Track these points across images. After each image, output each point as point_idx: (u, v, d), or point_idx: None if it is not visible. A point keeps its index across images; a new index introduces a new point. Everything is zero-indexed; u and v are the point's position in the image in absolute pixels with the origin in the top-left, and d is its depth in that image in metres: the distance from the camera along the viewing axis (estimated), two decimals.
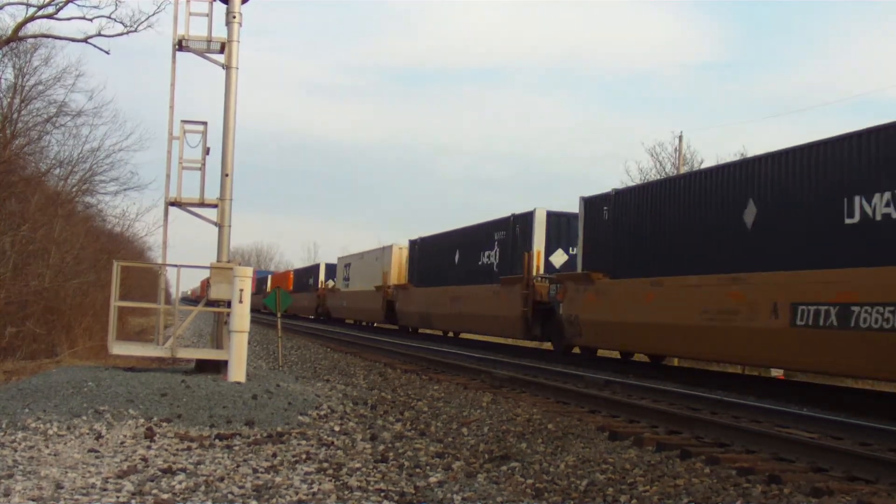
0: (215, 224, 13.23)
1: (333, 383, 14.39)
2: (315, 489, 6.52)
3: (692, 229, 16.49)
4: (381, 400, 12.28)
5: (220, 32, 13.34)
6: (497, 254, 26.48)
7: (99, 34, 25.35)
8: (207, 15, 13.34)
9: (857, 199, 12.58)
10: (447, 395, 13.20)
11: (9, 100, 26.64)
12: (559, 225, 24.30)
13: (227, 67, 13.26)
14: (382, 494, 6.46)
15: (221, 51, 13.33)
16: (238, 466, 7.26)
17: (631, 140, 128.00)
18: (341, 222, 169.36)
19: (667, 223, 17.42)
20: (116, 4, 30.06)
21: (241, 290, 12.18)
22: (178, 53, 13.30)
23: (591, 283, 19.58)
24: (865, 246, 12.33)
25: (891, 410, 11.78)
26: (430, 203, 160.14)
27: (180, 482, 6.54)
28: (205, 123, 13.32)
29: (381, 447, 8.44)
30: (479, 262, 27.72)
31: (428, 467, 7.56)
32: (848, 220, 12.72)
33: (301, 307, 56.75)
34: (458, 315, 28.85)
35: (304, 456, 7.84)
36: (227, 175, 13.18)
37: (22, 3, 24.78)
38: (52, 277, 19.14)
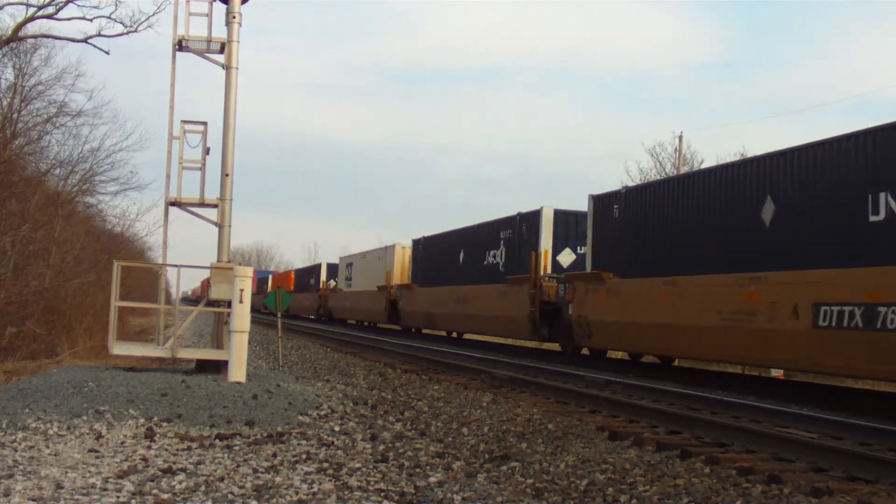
0: (215, 224, 13.24)
1: (333, 383, 14.39)
2: (315, 489, 6.53)
3: (707, 227, 16.06)
4: (381, 400, 12.28)
5: (220, 32, 13.36)
6: (503, 253, 26.14)
7: (99, 34, 25.38)
8: (207, 15, 13.35)
9: (882, 195, 12.13)
10: (447, 395, 13.20)
11: (9, 100, 26.67)
12: (567, 223, 23.88)
13: (227, 67, 13.26)
14: (382, 494, 6.47)
15: (221, 51, 13.34)
16: (238, 466, 7.27)
17: (631, 140, 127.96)
18: (341, 222, 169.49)
19: (680, 221, 16.98)
20: (116, 4, 30.11)
21: (242, 290, 12.19)
22: (178, 53, 13.30)
23: (601, 282, 19.14)
24: (892, 244, 11.90)
25: (891, 410, 11.78)
26: (430, 203, 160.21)
27: (180, 482, 6.54)
28: (205, 123, 13.33)
29: (382, 447, 8.45)
30: (485, 262, 27.38)
31: (428, 467, 7.57)
32: (873, 218, 12.29)
33: (302, 307, 56.43)
34: (464, 315, 28.51)
35: (304, 456, 7.85)
36: (227, 175, 13.19)
37: (22, 3, 24.82)
38: (53, 277, 19.14)
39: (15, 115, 26.51)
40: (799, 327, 13.11)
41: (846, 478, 7.22)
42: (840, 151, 13.07)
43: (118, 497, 6.06)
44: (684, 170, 35.52)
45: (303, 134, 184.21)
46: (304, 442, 8.58)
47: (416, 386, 14.62)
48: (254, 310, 16.40)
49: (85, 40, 25.71)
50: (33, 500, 5.87)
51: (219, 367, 12.50)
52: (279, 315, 19.49)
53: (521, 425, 9.98)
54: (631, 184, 34.45)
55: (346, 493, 6.46)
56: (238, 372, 12.01)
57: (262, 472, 7.05)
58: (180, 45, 13.23)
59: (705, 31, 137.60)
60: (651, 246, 17.92)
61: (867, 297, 11.94)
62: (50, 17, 25.39)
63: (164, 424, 8.90)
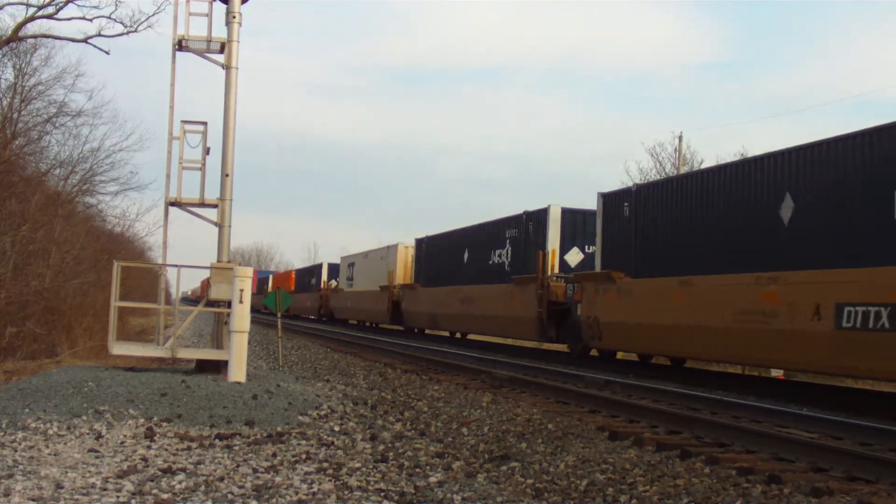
0: (215, 224, 13.24)
1: (333, 383, 14.39)
2: (315, 489, 6.53)
3: (722, 226, 15.63)
4: (381, 400, 12.28)
5: (220, 32, 13.36)
6: (509, 252, 25.67)
7: (99, 34, 25.39)
8: (207, 15, 13.35)
9: None
10: (447, 395, 13.20)
11: (9, 100, 26.69)
12: (574, 222, 23.41)
13: (227, 67, 13.27)
14: (382, 494, 6.47)
15: (221, 51, 13.34)
16: (238, 466, 7.27)
17: (631, 140, 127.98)
18: (341, 222, 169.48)
19: (694, 219, 16.53)
20: (116, 4, 30.12)
21: (242, 291, 12.19)
22: (178, 53, 13.31)
23: (612, 282, 18.71)
24: None
25: (891, 410, 11.77)
26: (430, 203, 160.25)
27: (180, 482, 6.54)
28: (205, 123, 13.33)
29: (381, 447, 8.45)
30: (490, 262, 26.90)
31: (428, 467, 7.57)
32: None
33: (303, 308, 56.21)
34: (469, 316, 28.11)
35: (304, 456, 7.85)
36: (227, 175, 13.19)
37: (22, 3, 24.83)
38: (53, 277, 19.14)
39: (15, 116, 26.53)
40: (821, 329, 12.72)
41: (846, 478, 7.22)
42: (862, 147, 12.62)
43: (118, 497, 6.06)
44: (684, 170, 35.45)
45: (303, 134, 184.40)
46: (303, 442, 8.59)
47: (415, 386, 14.62)
48: (254, 310, 16.40)
49: (85, 40, 25.74)
50: (33, 500, 5.87)
51: (219, 367, 12.50)
52: (279, 315, 19.50)
53: (520, 425, 9.98)
54: (631, 183, 34.51)
55: (346, 493, 6.46)
56: (238, 372, 12.01)
57: (261, 472, 7.05)
58: (180, 45, 13.24)
59: (705, 31, 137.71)
60: (663, 245, 17.51)
61: (894, 297, 11.53)
62: (50, 17, 25.42)
63: (164, 424, 8.90)
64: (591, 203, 23.10)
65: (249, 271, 12.73)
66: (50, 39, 26.98)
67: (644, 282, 17.86)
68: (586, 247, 23.08)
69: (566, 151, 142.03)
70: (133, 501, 5.97)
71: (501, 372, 16.21)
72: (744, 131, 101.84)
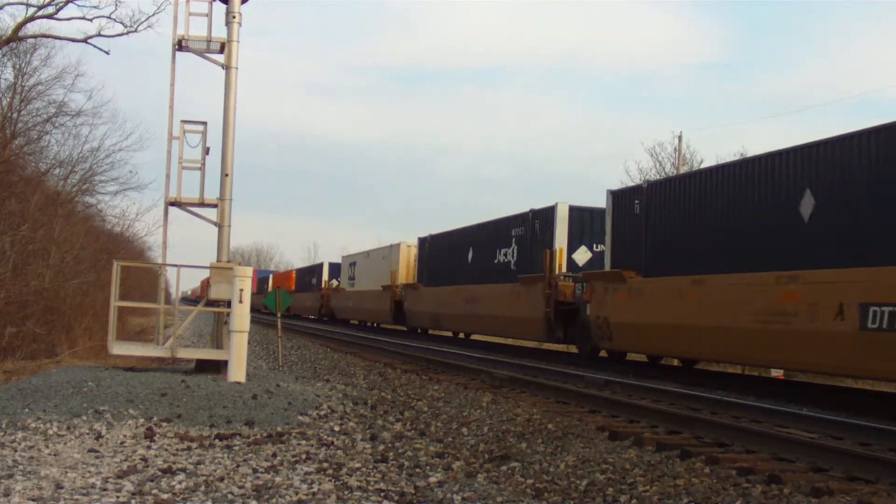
0: (215, 224, 13.24)
1: (333, 383, 14.39)
2: (315, 489, 6.53)
3: (737, 223, 15.21)
4: (381, 400, 12.28)
5: (219, 32, 13.36)
6: (515, 251, 25.16)
7: (99, 34, 25.36)
8: (207, 15, 13.35)
9: None
10: (447, 395, 13.20)
11: (8, 100, 26.67)
12: (582, 220, 22.96)
13: (226, 67, 13.26)
14: (382, 494, 6.47)
15: (221, 51, 13.34)
16: (238, 466, 7.27)
17: (631, 140, 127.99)
18: (341, 222, 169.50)
19: (708, 217, 16.13)
20: (116, 4, 29.99)
21: (241, 290, 12.19)
22: (178, 53, 13.31)
23: (623, 282, 18.32)
24: None
25: (891, 410, 11.77)
26: (430, 203, 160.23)
27: (180, 482, 6.54)
28: (205, 123, 13.34)
29: (381, 447, 8.45)
30: (495, 260, 26.46)
31: (428, 467, 7.56)
32: None
33: (304, 307, 55.90)
34: (473, 316, 27.62)
35: (304, 456, 7.84)
36: (226, 175, 13.19)
37: (22, 3, 24.81)
38: (52, 277, 19.15)
39: (15, 115, 26.52)
40: (844, 329, 12.28)
41: (846, 478, 7.22)
42: (888, 141, 12.25)
43: (118, 497, 6.06)
44: (684, 170, 35.43)
45: (303, 134, 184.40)
46: (303, 442, 8.58)
47: (415, 386, 14.61)
48: (254, 310, 16.39)
49: (85, 40, 25.72)
50: (33, 500, 5.87)
51: (218, 367, 12.50)
52: (279, 315, 19.49)
53: (520, 425, 9.98)
54: (632, 182, 34.51)
55: (346, 493, 6.46)
56: (238, 372, 12.01)
57: (261, 472, 7.05)
58: (180, 45, 13.24)
59: (705, 31, 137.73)
60: (676, 243, 17.13)
61: None
62: (50, 17, 25.40)
63: (164, 424, 8.90)
64: (591, 202, 23.18)
65: (249, 271, 12.73)
66: (50, 39, 26.98)
67: (655, 281, 17.51)
68: (594, 245, 22.70)
69: (566, 151, 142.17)
70: (133, 501, 5.97)
71: (501, 372, 16.21)
72: (744, 131, 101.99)
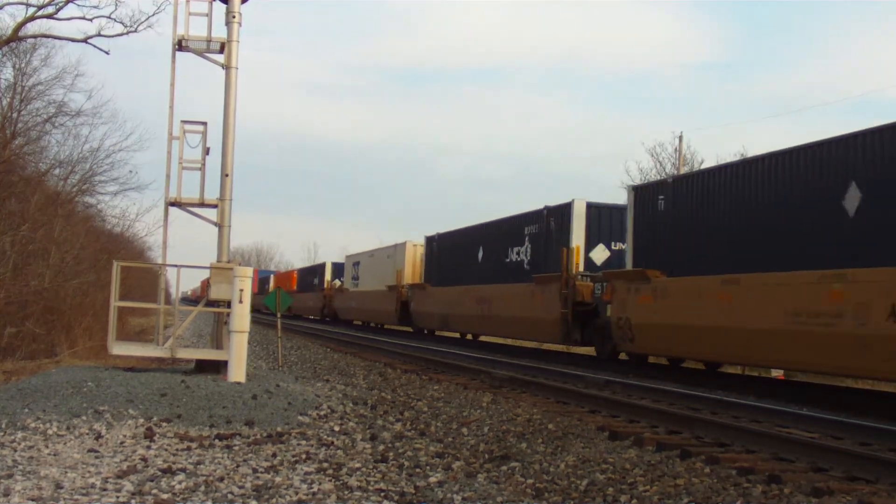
0: (215, 224, 13.24)
1: (333, 383, 14.39)
2: (315, 489, 6.52)
3: (774, 219, 14.36)
4: (380, 400, 12.28)
5: (219, 32, 13.37)
6: (528, 250, 24.21)
7: (99, 34, 25.31)
8: (207, 15, 13.36)
9: None
10: (447, 395, 13.20)
11: (8, 100, 26.68)
12: (600, 218, 22.00)
13: (226, 67, 13.27)
14: (382, 494, 6.46)
15: (221, 51, 13.34)
16: (238, 466, 7.26)
17: (631, 140, 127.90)
18: (341, 222, 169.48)
19: (741, 213, 15.24)
20: (116, 4, 29.86)
21: (241, 291, 12.19)
22: (178, 53, 13.31)
23: (646, 281, 17.36)
24: None
25: (891, 410, 11.77)
26: (430, 203, 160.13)
27: (180, 482, 6.54)
28: (205, 123, 13.34)
29: (381, 447, 8.45)
30: (507, 259, 25.52)
31: (428, 467, 7.56)
32: None
33: (306, 308, 55.34)
34: (484, 317, 26.54)
35: (303, 456, 7.84)
36: (227, 175, 13.20)
37: (22, 3, 24.78)
38: (52, 277, 19.14)
39: (14, 115, 26.53)
40: None
41: (846, 478, 7.22)
42: None
43: (118, 497, 6.06)
44: (684, 170, 35.40)
45: (303, 134, 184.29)
46: (303, 442, 8.58)
47: (415, 386, 14.61)
48: (254, 310, 16.40)
49: (85, 40, 25.69)
50: (33, 500, 5.87)
51: (218, 367, 12.50)
52: (279, 315, 19.50)
53: (521, 425, 9.97)
54: (632, 183, 34.47)
55: (346, 493, 6.46)
56: (238, 372, 12.01)
57: (261, 472, 7.05)
58: (180, 45, 13.24)
59: (705, 31, 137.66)
60: (704, 241, 16.23)
61: None
62: (50, 16, 25.37)
63: (164, 424, 8.89)
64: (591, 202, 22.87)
65: (249, 271, 12.73)
66: (50, 39, 26.96)
67: (682, 280, 16.55)
68: (612, 243, 21.90)
69: (566, 151, 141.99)
70: (133, 501, 5.97)
71: (501, 372, 16.21)
72: (744, 131, 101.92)
